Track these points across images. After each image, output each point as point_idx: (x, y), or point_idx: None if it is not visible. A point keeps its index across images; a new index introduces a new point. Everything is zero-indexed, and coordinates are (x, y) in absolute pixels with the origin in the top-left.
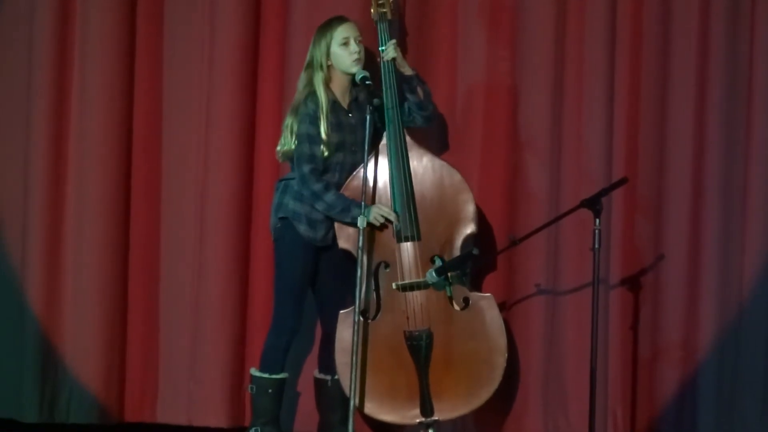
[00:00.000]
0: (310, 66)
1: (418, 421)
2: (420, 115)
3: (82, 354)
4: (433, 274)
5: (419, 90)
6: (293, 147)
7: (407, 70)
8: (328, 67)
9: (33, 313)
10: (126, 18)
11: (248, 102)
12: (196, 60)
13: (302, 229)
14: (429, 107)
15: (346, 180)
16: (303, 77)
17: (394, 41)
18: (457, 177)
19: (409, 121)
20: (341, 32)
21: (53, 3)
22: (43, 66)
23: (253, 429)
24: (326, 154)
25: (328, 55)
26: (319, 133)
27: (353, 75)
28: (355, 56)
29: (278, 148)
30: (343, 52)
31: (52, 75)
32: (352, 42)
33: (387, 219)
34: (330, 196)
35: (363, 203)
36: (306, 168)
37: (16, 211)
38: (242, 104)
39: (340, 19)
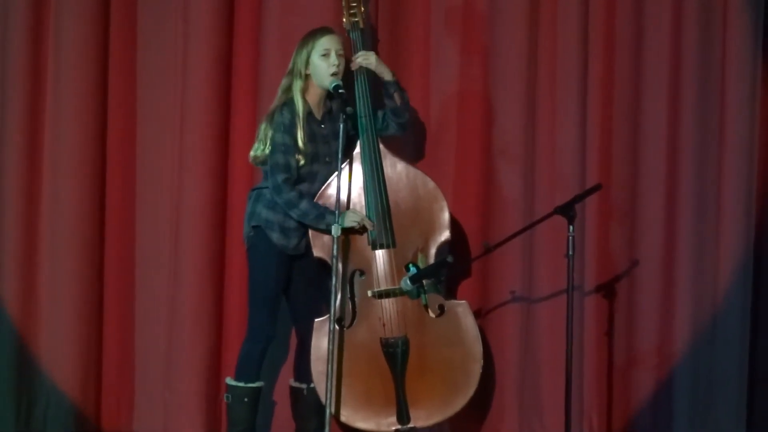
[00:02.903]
0: (291, 72)
1: (394, 428)
2: (395, 122)
3: (59, 363)
4: (408, 281)
5: (396, 96)
6: (267, 153)
7: (387, 75)
8: (306, 76)
9: (9, 322)
10: (99, 28)
11: (222, 109)
12: (169, 67)
13: (275, 237)
14: (405, 115)
15: (320, 190)
16: (284, 82)
17: (363, 51)
18: (431, 185)
19: (383, 129)
20: (323, 43)
21: (26, 16)
22: (17, 73)
23: None
24: (302, 162)
25: (307, 64)
26: (295, 142)
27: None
28: (333, 69)
29: (252, 152)
30: (322, 63)
31: (25, 82)
32: (332, 54)
33: (362, 225)
34: (304, 204)
35: (337, 211)
36: (280, 177)
37: None
38: (216, 111)
39: (324, 30)
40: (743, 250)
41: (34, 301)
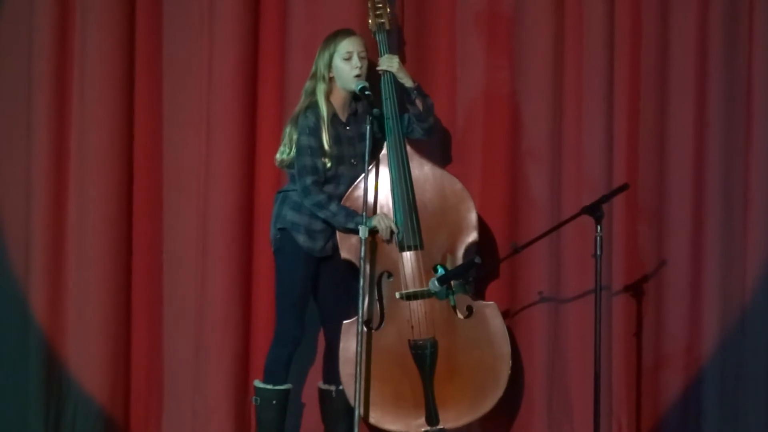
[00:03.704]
0: (314, 76)
1: (423, 430)
2: (419, 126)
3: (87, 367)
4: (436, 283)
5: (418, 102)
6: (292, 156)
7: (407, 82)
8: (330, 79)
9: (37, 327)
10: (125, 30)
11: (248, 113)
12: (195, 71)
13: (301, 239)
14: (429, 119)
15: (346, 192)
16: (307, 85)
17: (388, 54)
18: (458, 186)
19: (409, 132)
20: (345, 45)
21: (52, 17)
22: (44, 77)
23: None
24: (329, 165)
25: (330, 67)
26: (321, 144)
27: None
28: (356, 71)
29: (277, 156)
30: (345, 66)
31: (52, 86)
32: (355, 57)
33: (389, 230)
34: (333, 206)
35: (364, 213)
36: (308, 180)
37: (19, 225)
38: (242, 115)
39: (346, 32)
40: None
41: (62, 307)
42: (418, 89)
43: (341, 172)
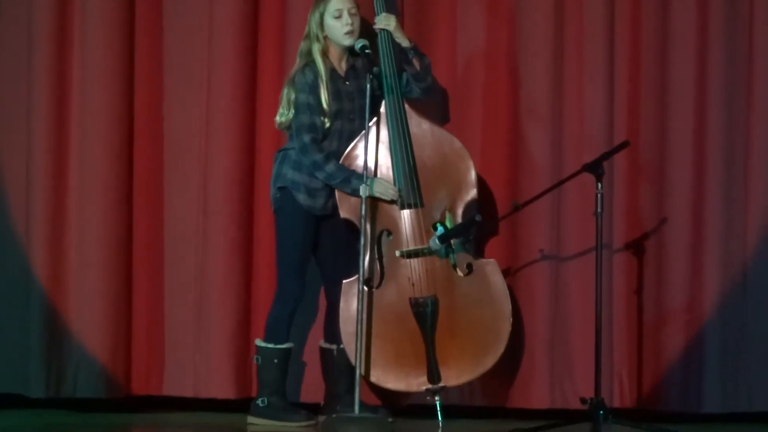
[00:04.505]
0: (308, 36)
1: (425, 388)
2: (417, 86)
3: (89, 328)
4: (436, 240)
5: (415, 61)
6: (291, 117)
7: (404, 42)
8: (324, 38)
9: (39, 288)
10: None
11: (248, 71)
12: (196, 25)
13: (301, 198)
14: (427, 79)
15: (344, 147)
16: (302, 46)
17: (385, 13)
18: (457, 144)
19: (408, 92)
20: (335, 4)
21: (52, 13)
22: (44, 62)
23: (260, 399)
24: (327, 124)
25: (322, 26)
26: (319, 102)
27: (349, 45)
28: (348, 28)
29: (277, 118)
30: (335, 23)
31: (53, 72)
32: (345, 14)
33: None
34: (331, 167)
35: (365, 173)
36: (306, 137)
37: (20, 185)
38: (242, 73)
39: None
40: None
41: (64, 267)
42: (415, 49)
43: (339, 126)
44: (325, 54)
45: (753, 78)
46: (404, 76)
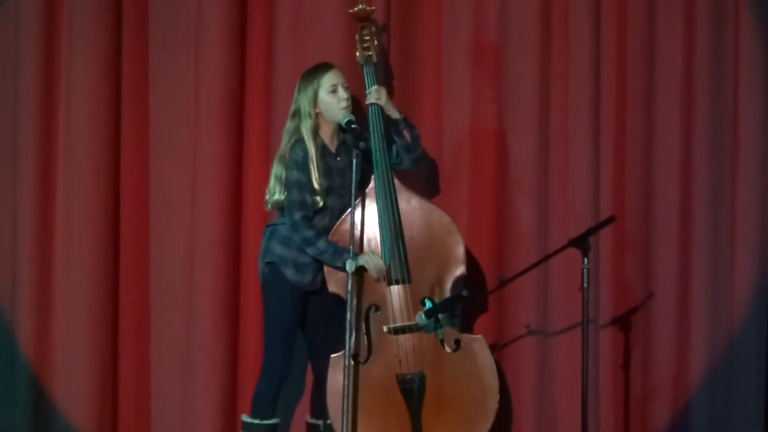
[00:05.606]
0: (297, 114)
1: None
2: (408, 157)
3: (74, 400)
4: (423, 316)
5: (406, 133)
6: (282, 196)
7: (394, 114)
8: (317, 114)
9: (24, 362)
10: (111, 62)
11: (235, 146)
12: (182, 101)
13: (289, 273)
14: (417, 150)
15: (335, 224)
16: (289, 126)
17: (376, 87)
18: (446, 219)
19: (397, 164)
20: (329, 79)
21: (37, 45)
22: (30, 102)
23: None
24: (321, 203)
25: (315, 102)
26: (309, 179)
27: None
28: (344, 103)
29: (267, 197)
30: (331, 99)
31: (39, 114)
32: (340, 89)
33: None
34: (321, 243)
35: (351, 248)
36: (297, 215)
37: (6, 256)
38: (229, 148)
39: (326, 66)
40: (758, 278)
41: (49, 342)
42: (405, 120)
43: (330, 203)
44: (315, 131)
45: (737, 152)
46: (394, 147)
